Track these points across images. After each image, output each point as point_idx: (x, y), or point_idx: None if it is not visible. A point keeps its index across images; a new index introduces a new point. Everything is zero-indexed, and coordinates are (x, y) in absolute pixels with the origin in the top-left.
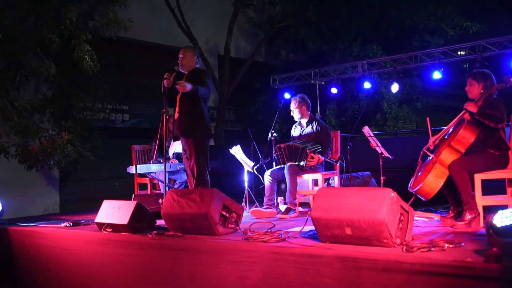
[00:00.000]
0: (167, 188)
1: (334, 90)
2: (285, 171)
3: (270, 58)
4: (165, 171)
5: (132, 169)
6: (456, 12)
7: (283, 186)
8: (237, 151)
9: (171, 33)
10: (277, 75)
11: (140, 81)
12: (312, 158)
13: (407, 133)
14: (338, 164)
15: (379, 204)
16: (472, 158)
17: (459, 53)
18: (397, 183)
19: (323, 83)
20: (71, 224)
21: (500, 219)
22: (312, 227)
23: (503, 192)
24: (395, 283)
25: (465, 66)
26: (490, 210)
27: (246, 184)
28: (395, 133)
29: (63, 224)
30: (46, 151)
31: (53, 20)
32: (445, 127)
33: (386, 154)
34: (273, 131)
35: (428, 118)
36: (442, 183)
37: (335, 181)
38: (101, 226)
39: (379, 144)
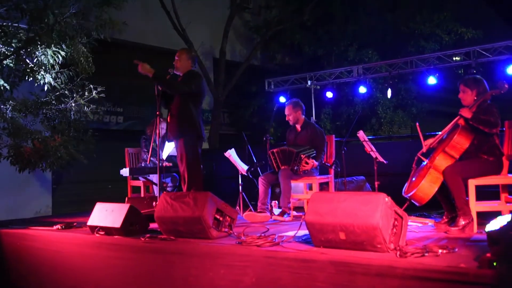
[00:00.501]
0: (160, 191)
1: (329, 94)
2: (279, 175)
3: (265, 61)
4: (159, 173)
5: (125, 172)
6: (451, 18)
7: (277, 190)
8: (231, 154)
9: (167, 35)
10: (272, 78)
11: (134, 83)
12: (307, 163)
13: (401, 138)
14: (332, 169)
15: (373, 209)
16: (466, 164)
17: (454, 58)
18: (392, 188)
19: (318, 87)
20: (63, 226)
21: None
22: (306, 232)
23: (497, 198)
24: None
25: (460, 71)
26: (484, 216)
27: (240, 188)
28: (390, 138)
29: (55, 227)
30: (39, 153)
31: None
32: (440, 132)
33: (380, 158)
34: (268, 135)
35: (417, 124)
36: (436, 189)
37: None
38: (93, 229)
39: (374, 149)
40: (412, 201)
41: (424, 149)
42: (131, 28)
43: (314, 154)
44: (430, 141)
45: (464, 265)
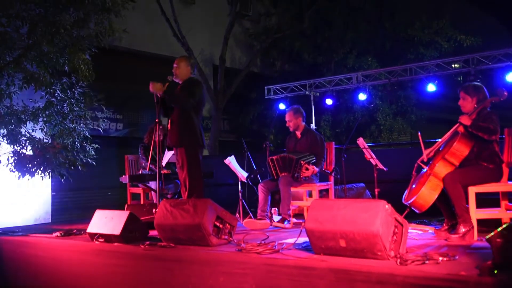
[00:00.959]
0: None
1: (329, 102)
2: (279, 182)
3: (265, 68)
4: (158, 181)
5: (125, 179)
6: (450, 25)
7: (278, 197)
8: (231, 161)
9: (167, 42)
10: (272, 86)
11: (135, 90)
12: (307, 169)
13: (401, 145)
14: (332, 176)
15: (373, 216)
16: (466, 171)
17: (453, 66)
18: (392, 195)
19: (318, 94)
20: (63, 234)
21: None
22: (306, 239)
23: (497, 205)
24: None
25: (459, 79)
26: (484, 223)
27: (240, 195)
28: (389, 145)
29: (54, 234)
30: (38, 160)
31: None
32: (440, 140)
33: (380, 166)
34: (267, 142)
35: (419, 133)
36: (436, 196)
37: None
38: (93, 236)
39: (374, 156)
40: (412, 208)
41: (424, 158)
42: (131, 36)
43: (314, 160)
44: (430, 151)
45: (464, 272)
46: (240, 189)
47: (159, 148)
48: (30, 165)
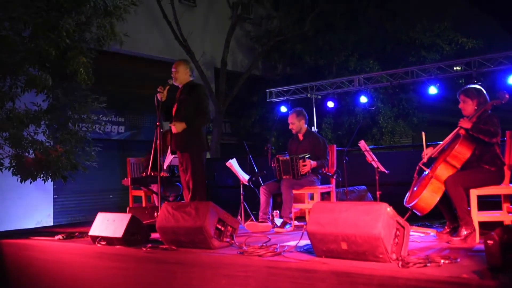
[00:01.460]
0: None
1: (330, 104)
2: (281, 184)
3: (267, 71)
4: (159, 184)
5: (126, 182)
6: (451, 28)
7: (279, 199)
8: (232, 164)
9: (169, 46)
10: (273, 88)
11: (136, 93)
12: (304, 165)
13: (403, 147)
14: (334, 178)
15: (375, 218)
16: (468, 174)
17: (454, 68)
18: (393, 197)
19: (319, 97)
20: (64, 237)
21: None
22: (308, 242)
23: (499, 208)
24: None
25: (461, 81)
26: (485, 226)
27: (241, 198)
28: (391, 148)
29: (56, 237)
30: (40, 163)
31: (50, 32)
32: (441, 142)
33: (382, 168)
34: (269, 144)
35: (423, 133)
36: (438, 199)
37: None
38: (95, 239)
39: (375, 159)
40: (414, 211)
41: (424, 159)
42: (133, 39)
43: (309, 156)
44: (429, 150)
45: (466, 275)
46: (241, 192)
47: (159, 152)
48: (32, 168)
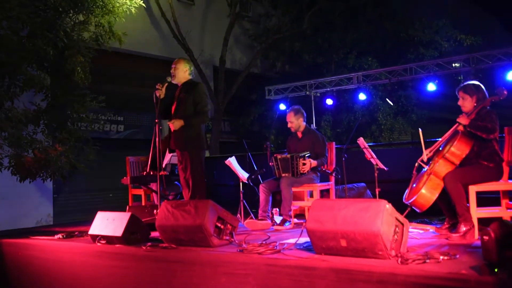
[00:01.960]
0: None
1: (329, 102)
2: (281, 182)
3: (265, 69)
4: (158, 182)
5: (126, 180)
6: (450, 25)
7: (279, 197)
8: (232, 162)
9: (167, 44)
10: (272, 86)
11: (135, 92)
12: (304, 164)
13: (402, 144)
14: (333, 176)
15: (374, 215)
16: (467, 170)
17: (453, 65)
18: (392, 194)
19: (318, 94)
20: (64, 236)
21: None
22: (307, 239)
23: (498, 204)
24: None
25: (459, 78)
26: (484, 222)
27: (241, 196)
28: (390, 145)
29: (56, 236)
30: (39, 163)
31: (48, 31)
32: (440, 139)
33: (381, 165)
34: (268, 142)
35: (420, 130)
36: (437, 195)
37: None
38: (95, 238)
39: (374, 156)
40: (413, 207)
41: (424, 158)
42: (131, 37)
43: (309, 155)
44: (430, 150)
45: (465, 271)
46: (241, 190)
47: (159, 150)
48: (31, 168)
